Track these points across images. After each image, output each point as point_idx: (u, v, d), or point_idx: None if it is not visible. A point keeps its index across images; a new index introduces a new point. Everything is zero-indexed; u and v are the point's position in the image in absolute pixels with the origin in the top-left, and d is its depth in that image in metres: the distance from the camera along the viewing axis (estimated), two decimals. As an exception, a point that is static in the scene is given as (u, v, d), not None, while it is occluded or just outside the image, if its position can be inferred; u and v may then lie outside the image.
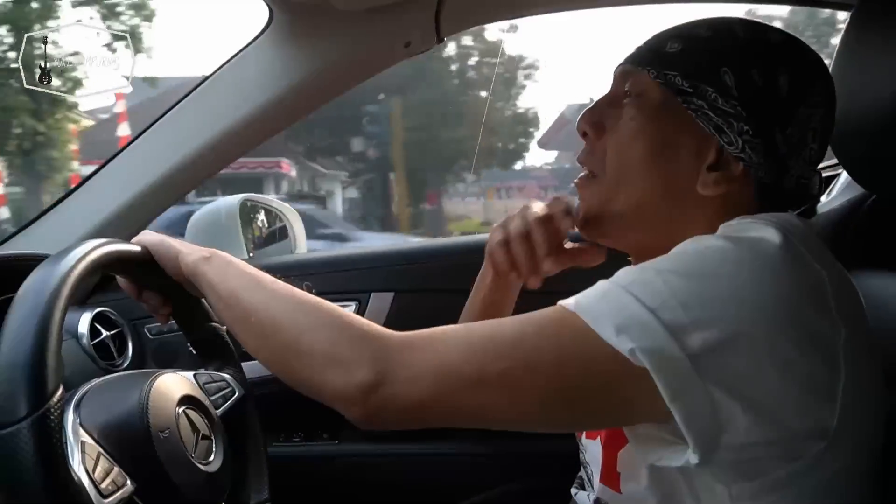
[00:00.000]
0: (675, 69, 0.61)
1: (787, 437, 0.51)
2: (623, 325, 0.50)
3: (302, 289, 0.61)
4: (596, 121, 0.65)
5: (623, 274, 0.54)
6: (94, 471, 0.55)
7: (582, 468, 0.74)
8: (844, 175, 0.93)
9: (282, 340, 0.57)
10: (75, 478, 0.53)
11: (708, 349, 0.49)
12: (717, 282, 0.51)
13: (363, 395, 0.52)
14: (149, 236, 0.71)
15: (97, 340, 0.97)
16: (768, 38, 0.62)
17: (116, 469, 0.57)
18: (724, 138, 0.60)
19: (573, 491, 0.76)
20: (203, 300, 0.74)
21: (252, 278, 0.63)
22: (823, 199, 0.96)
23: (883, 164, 0.72)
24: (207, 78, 1.01)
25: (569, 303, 0.53)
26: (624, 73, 0.65)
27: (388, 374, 0.52)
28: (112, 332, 1.01)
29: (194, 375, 0.75)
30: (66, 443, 0.51)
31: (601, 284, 0.54)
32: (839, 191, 0.93)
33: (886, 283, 0.74)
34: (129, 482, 0.57)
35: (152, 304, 0.74)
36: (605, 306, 0.51)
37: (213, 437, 0.69)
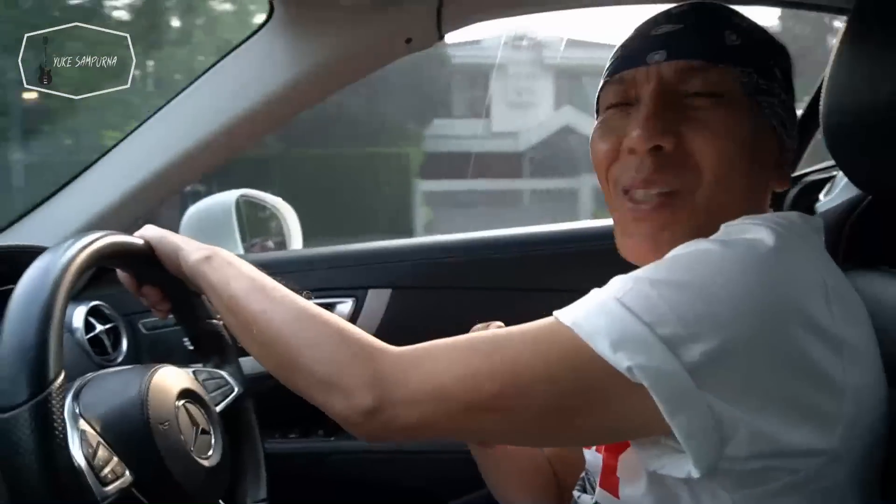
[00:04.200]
0: (749, 65, 0.59)
1: (789, 451, 0.50)
2: (619, 340, 0.48)
3: (300, 293, 0.61)
4: (669, 129, 0.58)
5: (618, 285, 0.53)
6: (93, 459, 0.55)
7: (585, 470, 0.74)
8: (842, 176, 0.94)
9: (284, 356, 0.58)
10: (75, 464, 0.53)
11: (707, 360, 0.48)
12: (712, 291, 0.49)
13: (364, 419, 0.53)
14: (151, 230, 0.70)
15: (92, 335, 0.96)
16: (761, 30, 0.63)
17: (115, 459, 0.57)
18: (787, 133, 0.61)
19: (575, 493, 0.75)
20: (203, 296, 0.74)
21: (253, 283, 0.62)
22: (823, 198, 0.97)
23: (877, 165, 0.73)
24: (207, 70, 1.00)
25: (564, 316, 0.52)
26: (688, 69, 0.58)
27: (387, 399, 0.53)
28: (107, 327, 1.00)
29: (193, 371, 0.74)
30: (65, 430, 0.51)
31: (596, 296, 0.53)
32: (838, 191, 0.94)
33: (880, 282, 0.75)
34: (127, 472, 0.57)
35: (152, 300, 0.74)
36: (600, 321, 0.50)
37: (212, 432, 0.69)
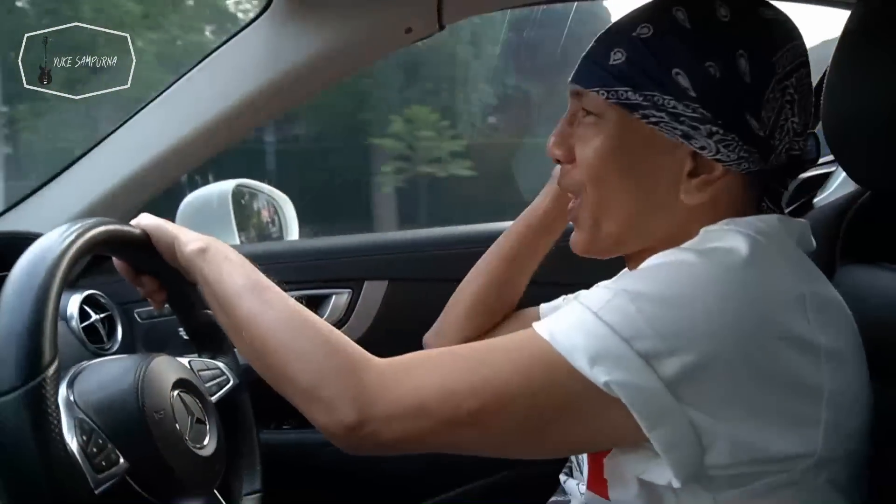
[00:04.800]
0: (624, 83, 0.57)
1: (771, 458, 0.50)
2: (597, 355, 0.49)
3: (280, 286, 0.61)
4: (565, 145, 0.63)
5: (596, 297, 0.53)
6: (87, 446, 0.55)
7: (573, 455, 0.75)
8: (840, 171, 0.94)
9: (271, 362, 0.58)
10: (69, 451, 0.53)
11: (685, 374, 0.48)
12: (689, 305, 0.50)
13: (346, 433, 0.53)
14: (147, 219, 0.69)
15: (87, 323, 0.96)
16: (717, 17, 0.57)
17: (110, 446, 0.57)
18: (694, 144, 0.57)
19: (562, 478, 0.76)
20: (199, 286, 0.74)
21: (247, 282, 0.61)
22: (821, 195, 0.97)
23: (877, 162, 0.73)
24: (205, 58, 1.00)
25: (542, 330, 0.53)
26: (576, 92, 0.62)
27: (368, 414, 0.53)
28: (102, 316, 0.99)
29: (189, 361, 0.74)
30: (59, 416, 0.51)
31: (575, 309, 0.53)
32: (837, 187, 0.94)
33: (877, 277, 0.75)
34: (122, 460, 0.57)
35: (148, 289, 0.73)
36: (578, 336, 0.50)
37: (207, 422, 0.69)
